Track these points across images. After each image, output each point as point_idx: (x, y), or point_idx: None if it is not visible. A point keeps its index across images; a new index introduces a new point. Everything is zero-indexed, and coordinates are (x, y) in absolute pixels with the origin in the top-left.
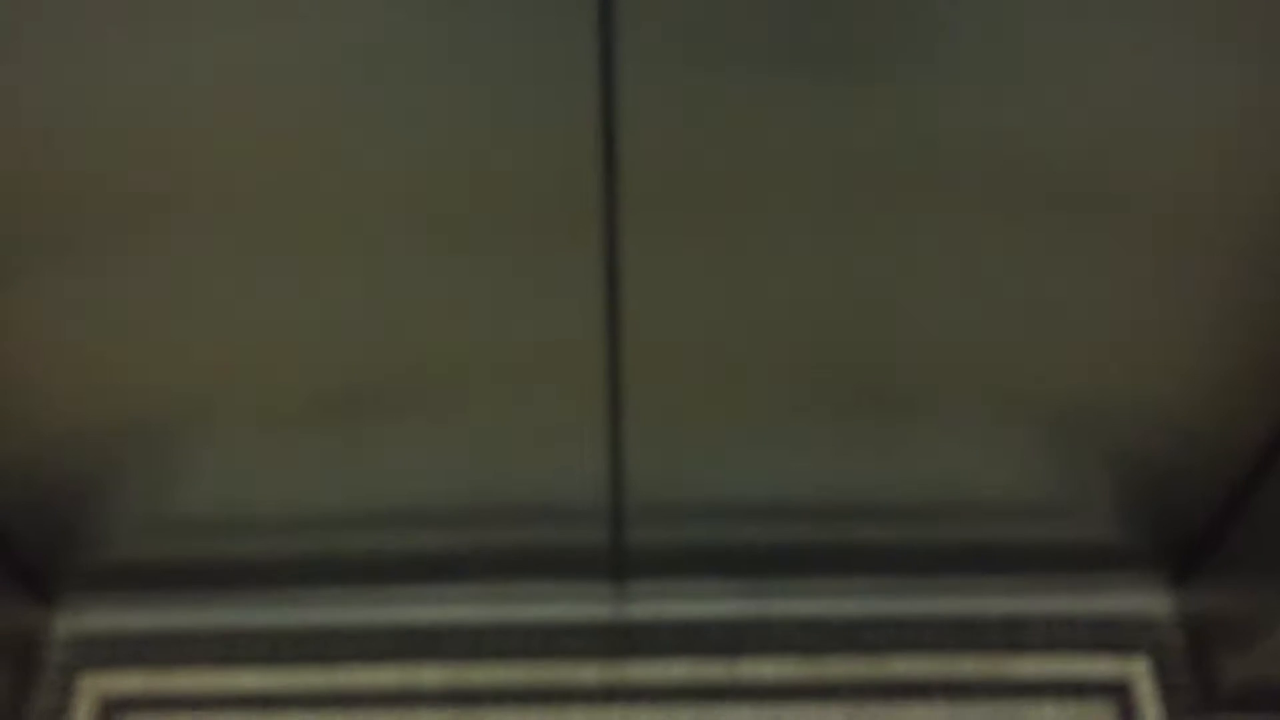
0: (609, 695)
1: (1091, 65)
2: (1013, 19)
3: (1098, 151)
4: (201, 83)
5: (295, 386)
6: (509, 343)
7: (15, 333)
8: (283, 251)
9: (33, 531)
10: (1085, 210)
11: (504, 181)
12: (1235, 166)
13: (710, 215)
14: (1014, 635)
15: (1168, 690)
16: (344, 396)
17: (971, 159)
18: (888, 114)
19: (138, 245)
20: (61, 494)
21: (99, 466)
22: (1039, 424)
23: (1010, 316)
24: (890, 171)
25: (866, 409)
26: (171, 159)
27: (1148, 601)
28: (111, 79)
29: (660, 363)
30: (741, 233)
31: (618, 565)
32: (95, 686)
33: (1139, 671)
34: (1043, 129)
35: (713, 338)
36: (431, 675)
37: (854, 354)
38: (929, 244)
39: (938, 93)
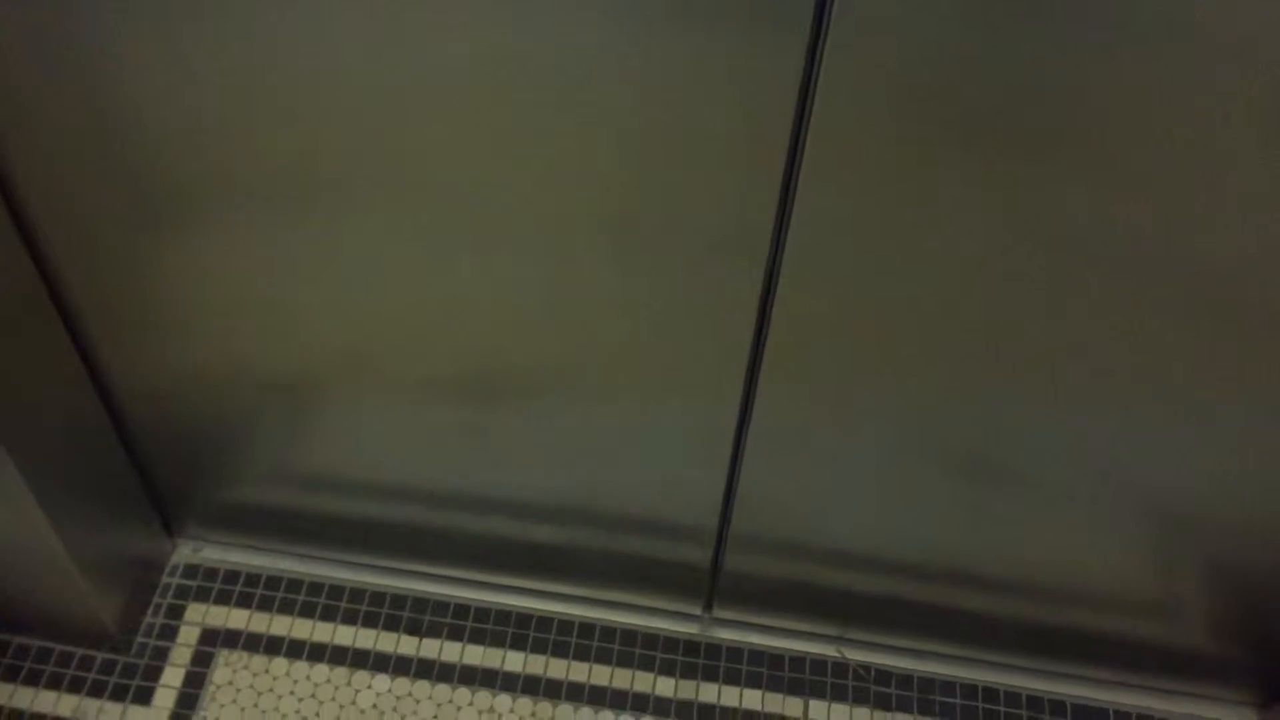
0: (682, 712)
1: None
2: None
3: (1239, 259)
4: (420, 78)
5: (440, 360)
6: (652, 348)
7: (185, 275)
8: (456, 232)
9: (168, 464)
10: (1221, 316)
11: (685, 193)
12: None
13: (869, 266)
14: None
15: None
16: (484, 377)
17: (1127, 257)
18: (1049, 200)
19: (321, 207)
20: (201, 433)
21: (239, 412)
22: (1151, 520)
23: (1141, 411)
24: (1044, 252)
25: (981, 476)
26: (368, 141)
27: (1232, 715)
28: (343, 61)
29: (792, 397)
30: (892, 295)
31: (712, 588)
32: (201, 617)
33: None
34: (1194, 238)
35: (847, 380)
36: (514, 662)
37: (980, 422)
38: (1072, 326)
39: (1103, 185)
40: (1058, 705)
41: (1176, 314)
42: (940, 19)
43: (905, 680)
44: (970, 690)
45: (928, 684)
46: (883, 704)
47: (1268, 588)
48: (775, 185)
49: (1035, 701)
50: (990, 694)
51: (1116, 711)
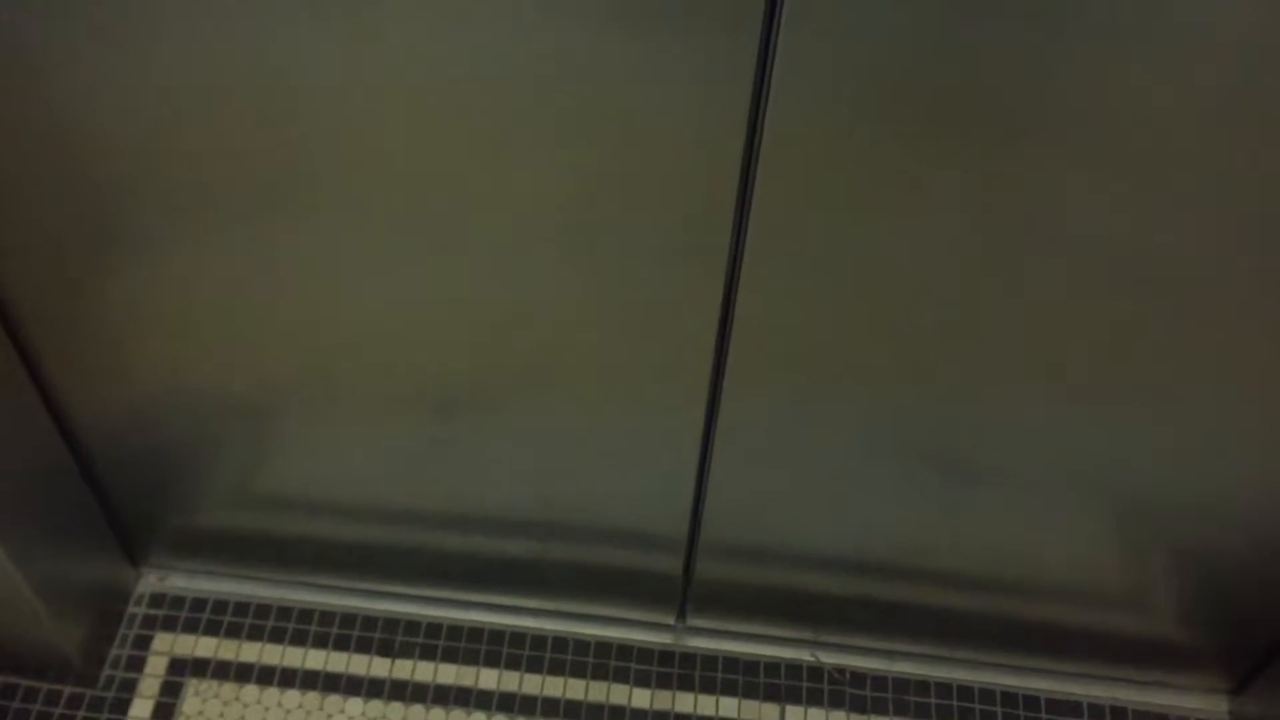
0: None
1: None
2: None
3: (1201, 252)
4: (371, 81)
5: (402, 376)
6: (615, 356)
7: (139, 299)
8: (413, 245)
9: (129, 492)
10: (1184, 306)
11: (641, 196)
12: None
13: (831, 259)
14: (1062, 718)
15: None
16: (447, 391)
17: (1090, 248)
18: (1008, 195)
19: (276, 226)
20: (162, 459)
21: (199, 437)
22: (1118, 512)
23: (1104, 402)
24: (1004, 245)
25: (950, 474)
26: (323, 156)
27: (1204, 702)
28: (296, 66)
29: (757, 400)
30: (854, 293)
31: (684, 597)
32: (169, 646)
33: None
34: (1157, 230)
35: (813, 382)
36: (488, 679)
37: (947, 420)
38: (1034, 320)
39: (1063, 176)
40: (1031, 700)
41: (1140, 305)
42: (893, 12)
43: (880, 682)
44: (945, 689)
45: (902, 684)
46: (858, 706)
47: (1234, 574)
48: (733, 185)
49: (1009, 697)
50: (965, 692)
51: (1090, 704)
